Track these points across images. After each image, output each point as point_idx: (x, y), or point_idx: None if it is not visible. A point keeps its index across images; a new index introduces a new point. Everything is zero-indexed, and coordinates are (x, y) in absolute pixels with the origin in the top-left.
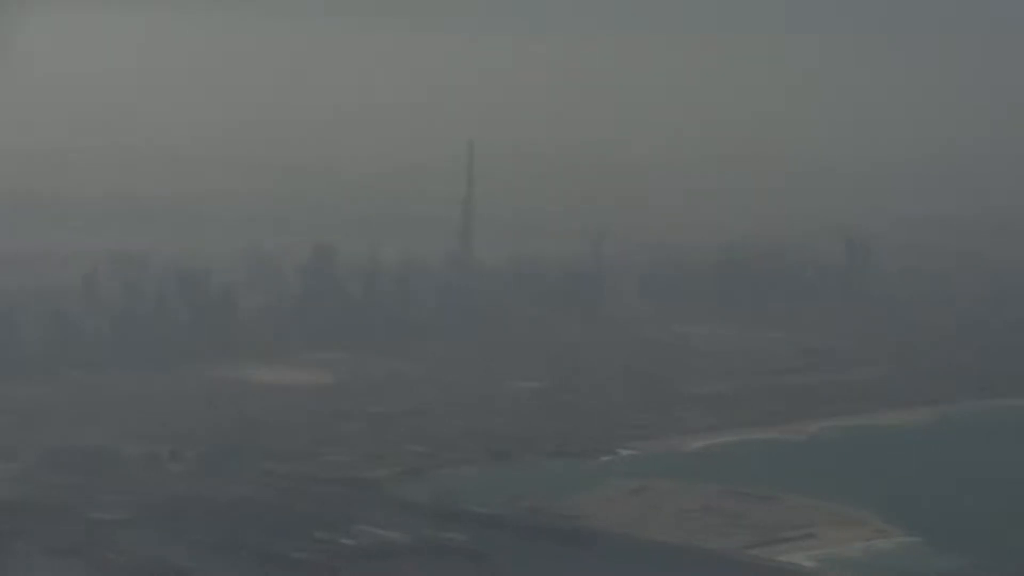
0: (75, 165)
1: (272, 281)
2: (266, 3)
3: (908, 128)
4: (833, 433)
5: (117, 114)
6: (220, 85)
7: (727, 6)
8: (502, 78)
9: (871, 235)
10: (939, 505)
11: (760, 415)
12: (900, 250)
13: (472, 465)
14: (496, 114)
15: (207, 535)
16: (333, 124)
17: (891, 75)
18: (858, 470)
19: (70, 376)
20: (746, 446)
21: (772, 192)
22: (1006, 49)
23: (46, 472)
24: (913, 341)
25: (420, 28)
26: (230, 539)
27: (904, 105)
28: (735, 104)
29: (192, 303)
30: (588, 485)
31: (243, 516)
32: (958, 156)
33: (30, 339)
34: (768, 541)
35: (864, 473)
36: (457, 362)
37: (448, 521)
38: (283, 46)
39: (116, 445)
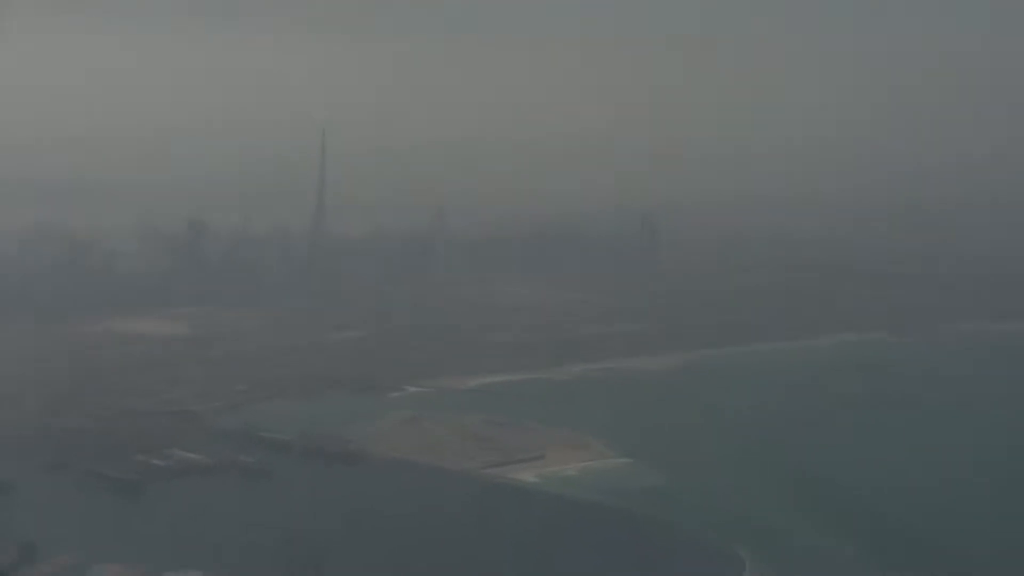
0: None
1: (151, 250)
2: None
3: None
4: (591, 374)
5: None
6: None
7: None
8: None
9: (663, 215)
10: (657, 434)
11: (536, 360)
12: (684, 229)
13: (283, 400)
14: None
15: (40, 458)
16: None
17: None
18: (599, 404)
19: None
20: (515, 385)
21: (589, 180)
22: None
23: None
24: (675, 302)
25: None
26: (59, 461)
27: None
28: (574, 107)
29: (78, 268)
30: (372, 417)
31: (76, 443)
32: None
33: None
34: (505, 462)
35: (602, 407)
36: (294, 316)
37: (246, 446)
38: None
39: None
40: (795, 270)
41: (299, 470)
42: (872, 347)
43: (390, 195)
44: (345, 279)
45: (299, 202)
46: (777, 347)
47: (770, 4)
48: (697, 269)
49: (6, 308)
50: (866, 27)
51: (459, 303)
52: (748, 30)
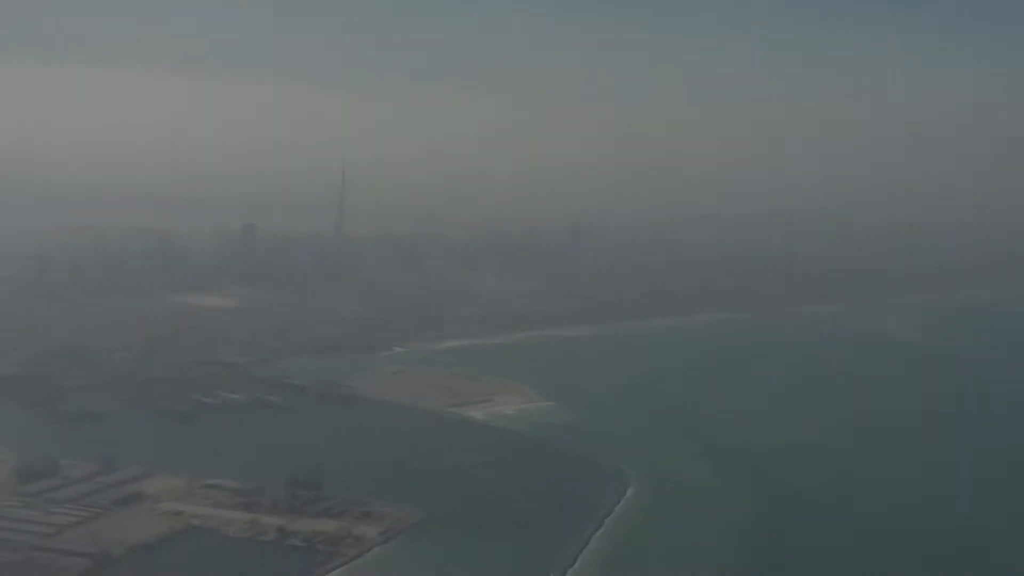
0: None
1: (215, 246)
2: None
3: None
4: (530, 340)
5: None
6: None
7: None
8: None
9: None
10: (575, 384)
11: (490, 329)
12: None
13: (303, 357)
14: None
15: (124, 396)
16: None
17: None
18: (535, 362)
19: (77, 301)
20: (474, 347)
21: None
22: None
23: (46, 360)
24: (600, 288)
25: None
26: (138, 399)
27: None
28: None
29: (162, 258)
30: (366, 370)
31: (152, 386)
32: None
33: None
34: (462, 403)
35: (537, 364)
36: (316, 297)
37: (274, 389)
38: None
39: (91, 343)
40: (692, 268)
41: (312, 408)
42: (734, 321)
43: (397, 209)
44: (357, 271)
45: (325, 212)
46: (667, 321)
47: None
48: (617, 269)
49: (109, 288)
50: None
51: (439, 288)
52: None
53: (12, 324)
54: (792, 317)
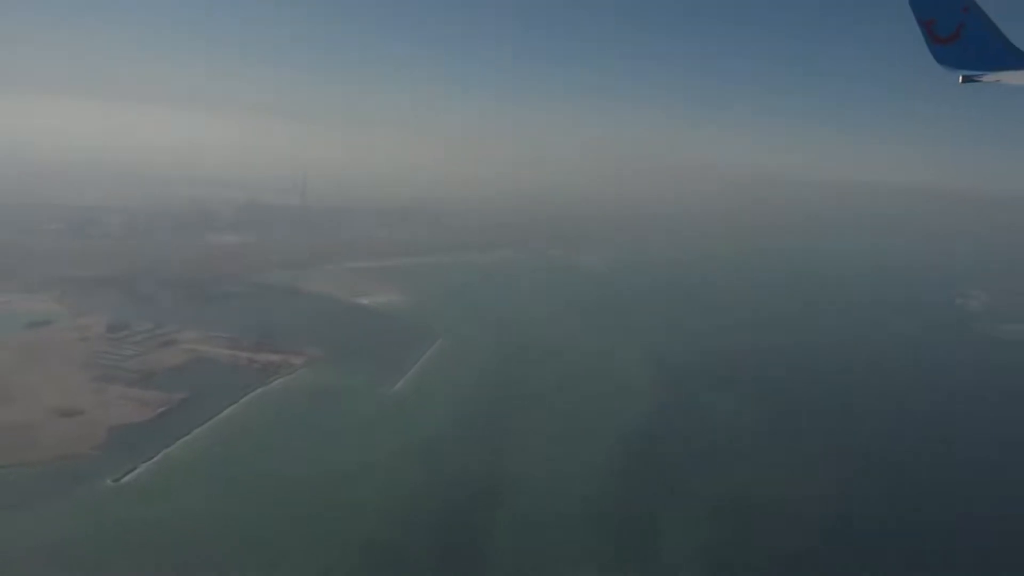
0: None
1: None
2: None
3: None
4: (401, 264)
5: None
6: None
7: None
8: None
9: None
10: (423, 285)
11: (380, 257)
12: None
13: (276, 270)
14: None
15: (171, 288)
16: None
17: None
18: (398, 275)
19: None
20: (371, 267)
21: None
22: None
23: (127, 268)
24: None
25: None
26: (178, 289)
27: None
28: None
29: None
30: (309, 277)
31: (186, 282)
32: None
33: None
34: (358, 295)
35: (400, 276)
36: (288, 238)
37: (254, 287)
38: None
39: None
40: (494, 226)
41: (276, 296)
42: (509, 256)
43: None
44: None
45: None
46: (470, 256)
47: None
48: (448, 228)
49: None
50: None
51: (358, 236)
52: None
53: (106, 250)
54: (538, 254)
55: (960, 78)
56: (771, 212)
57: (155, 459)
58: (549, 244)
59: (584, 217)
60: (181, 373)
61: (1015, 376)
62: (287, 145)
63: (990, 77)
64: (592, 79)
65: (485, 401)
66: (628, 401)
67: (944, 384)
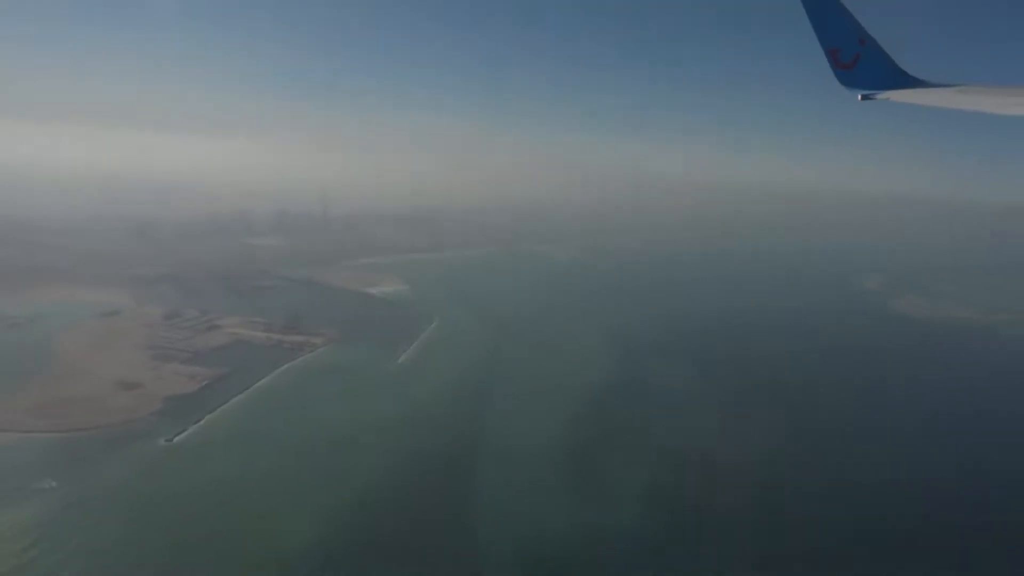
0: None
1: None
2: None
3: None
4: (404, 259)
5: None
6: None
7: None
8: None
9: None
10: (424, 277)
11: (387, 254)
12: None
13: (301, 267)
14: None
15: (216, 283)
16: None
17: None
18: (401, 268)
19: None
20: (380, 262)
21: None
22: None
23: (178, 267)
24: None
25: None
26: (222, 283)
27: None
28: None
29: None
30: (328, 271)
31: (229, 277)
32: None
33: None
34: (367, 285)
35: (403, 268)
36: (312, 242)
37: (284, 280)
38: None
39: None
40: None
41: (300, 288)
42: (488, 253)
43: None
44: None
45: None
46: (454, 253)
47: None
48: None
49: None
50: None
51: (367, 237)
52: None
53: (164, 252)
54: (521, 252)
55: (859, 96)
56: (702, 215)
57: (201, 422)
58: (531, 243)
59: (562, 220)
60: (223, 352)
61: (896, 339)
62: (312, 167)
63: (883, 95)
64: (571, 108)
65: (473, 369)
66: (592, 366)
67: (839, 345)
